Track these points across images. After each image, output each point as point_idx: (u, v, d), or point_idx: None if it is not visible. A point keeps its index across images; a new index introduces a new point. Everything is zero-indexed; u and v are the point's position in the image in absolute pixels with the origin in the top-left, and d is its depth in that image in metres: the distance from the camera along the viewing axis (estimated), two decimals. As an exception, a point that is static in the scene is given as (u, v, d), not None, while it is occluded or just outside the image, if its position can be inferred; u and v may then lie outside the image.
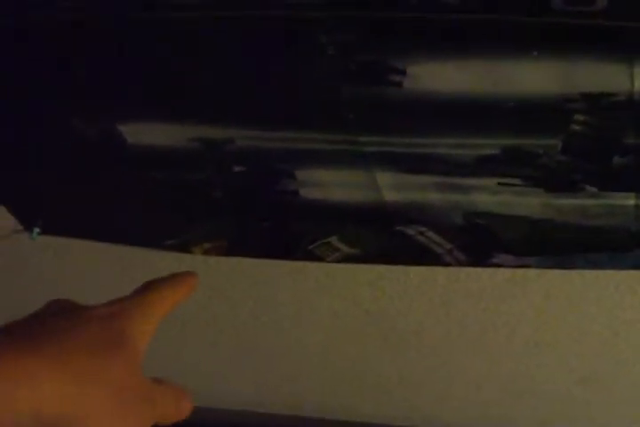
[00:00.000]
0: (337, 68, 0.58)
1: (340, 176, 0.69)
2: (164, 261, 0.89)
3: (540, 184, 0.64)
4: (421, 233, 0.73)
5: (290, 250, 0.79)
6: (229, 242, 0.82)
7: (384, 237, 0.74)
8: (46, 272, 1.02)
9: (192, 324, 1.04)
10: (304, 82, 0.61)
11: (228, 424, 1.11)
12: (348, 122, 0.63)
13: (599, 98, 0.55)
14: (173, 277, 0.42)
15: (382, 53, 0.57)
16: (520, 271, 0.82)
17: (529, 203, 0.66)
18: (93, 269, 0.99)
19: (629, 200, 0.63)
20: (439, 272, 0.86)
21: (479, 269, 0.82)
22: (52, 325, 0.35)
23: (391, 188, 0.68)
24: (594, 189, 0.63)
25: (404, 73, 0.57)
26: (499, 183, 0.65)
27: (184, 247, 0.84)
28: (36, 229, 0.85)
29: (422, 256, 0.75)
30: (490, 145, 0.61)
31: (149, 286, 0.40)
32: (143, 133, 0.70)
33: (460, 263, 0.75)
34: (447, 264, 0.75)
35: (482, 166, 0.64)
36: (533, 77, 0.55)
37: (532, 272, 0.82)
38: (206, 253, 0.84)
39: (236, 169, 0.71)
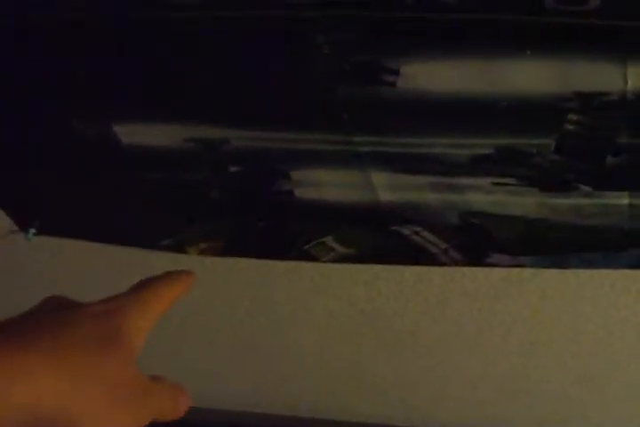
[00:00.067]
0: (332, 68, 0.59)
1: (335, 176, 0.69)
2: (160, 262, 0.89)
3: (534, 184, 0.64)
4: (417, 233, 0.73)
5: (285, 250, 0.80)
6: (225, 242, 0.82)
7: (379, 237, 0.74)
8: (42, 273, 1.02)
9: (188, 324, 1.04)
10: (300, 82, 0.61)
11: (223, 424, 1.11)
12: (343, 122, 0.63)
13: (592, 97, 0.55)
14: (170, 275, 0.42)
15: (377, 53, 0.57)
16: (515, 271, 0.83)
17: (523, 202, 0.66)
18: (89, 269, 0.99)
19: (623, 199, 0.63)
20: (435, 272, 0.86)
21: (474, 269, 0.83)
22: (48, 321, 0.36)
23: (386, 188, 0.68)
24: (588, 189, 0.63)
25: (397, 73, 0.57)
26: (493, 183, 0.65)
27: (180, 248, 0.84)
28: (32, 230, 0.85)
29: (418, 256, 0.75)
30: (484, 145, 0.62)
31: (145, 284, 0.40)
32: (139, 134, 0.70)
33: (455, 263, 0.75)
34: (443, 264, 0.76)
35: (476, 166, 0.64)
36: (527, 77, 0.55)
37: (527, 272, 0.83)
38: (202, 253, 0.84)
39: (232, 169, 0.71)
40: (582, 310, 0.86)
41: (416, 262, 0.77)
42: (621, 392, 0.95)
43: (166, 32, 0.60)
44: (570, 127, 0.58)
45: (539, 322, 0.89)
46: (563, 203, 0.65)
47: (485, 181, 0.65)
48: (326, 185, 0.70)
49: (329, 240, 0.77)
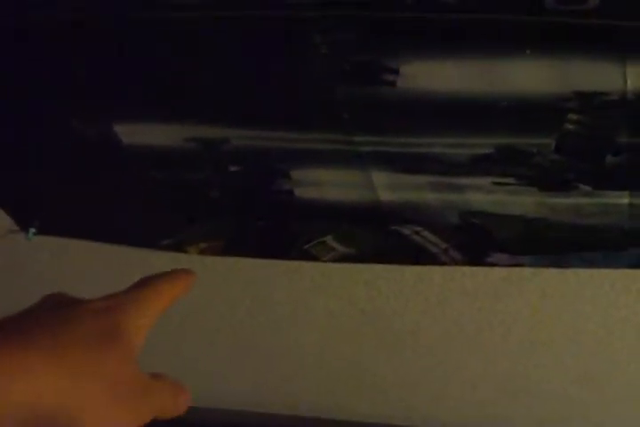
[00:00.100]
0: (331, 68, 0.59)
1: (335, 176, 0.69)
2: (160, 261, 0.89)
3: (534, 183, 0.64)
4: (417, 232, 0.73)
5: (285, 249, 0.80)
6: (225, 242, 0.82)
7: (379, 237, 0.74)
8: (42, 272, 1.02)
9: (188, 323, 1.04)
10: (299, 82, 0.61)
11: (223, 424, 1.11)
12: (343, 122, 0.63)
13: (592, 97, 0.55)
14: (170, 274, 0.42)
15: (376, 53, 0.57)
16: (515, 270, 0.83)
17: (523, 202, 0.66)
18: (90, 269, 0.99)
19: (623, 199, 0.63)
20: (435, 271, 0.86)
21: (475, 269, 0.83)
22: (48, 319, 0.36)
23: (386, 187, 0.68)
24: (588, 188, 0.63)
25: (397, 72, 0.57)
26: (493, 182, 0.65)
27: (180, 247, 0.85)
28: (32, 230, 0.85)
29: (418, 256, 0.75)
30: (484, 144, 0.62)
31: (146, 282, 0.40)
32: (139, 134, 0.70)
33: (455, 262, 0.75)
34: (443, 263, 0.76)
35: (476, 166, 0.64)
36: (527, 77, 0.55)
37: (527, 271, 0.83)
38: (202, 252, 0.84)
39: (232, 169, 0.71)
40: (582, 310, 0.86)
41: (416, 262, 0.77)
42: (621, 392, 0.95)
43: (166, 32, 0.60)
44: (570, 127, 0.58)
45: (539, 321, 0.89)
46: (563, 202, 0.65)
47: (485, 181, 0.65)
48: (326, 184, 0.70)
49: (329, 240, 0.77)
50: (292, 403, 1.11)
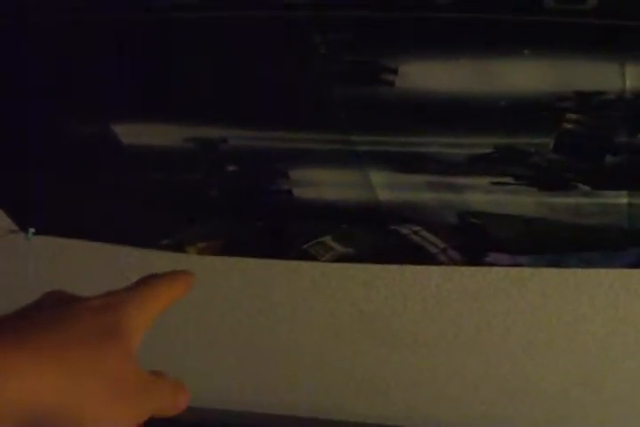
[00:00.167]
0: (330, 68, 0.59)
1: (333, 175, 0.69)
2: (160, 261, 0.89)
3: (533, 183, 0.64)
4: (415, 232, 0.73)
5: (284, 249, 0.80)
6: (224, 241, 0.82)
7: (378, 237, 0.74)
8: (42, 273, 1.02)
9: (187, 324, 1.04)
10: (298, 82, 0.61)
11: (222, 424, 1.11)
12: (341, 121, 0.63)
13: (591, 96, 0.55)
14: (170, 274, 0.42)
15: (374, 53, 0.57)
16: (515, 270, 0.83)
17: (522, 202, 0.66)
18: (89, 269, 0.99)
19: (622, 199, 0.63)
20: (433, 271, 0.86)
21: (473, 269, 0.83)
22: (47, 316, 0.35)
23: (385, 187, 0.68)
24: (586, 188, 0.63)
25: (395, 72, 0.57)
26: (492, 182, 0.65)
27: (179, 247, 0.84)
28: (31, 230, 0.85)
29: (416, 255, 0.75)
30: (483, 144, 0.62)
31: (145, 281, 0.40)
32: (138, 134, 0.70)
33: (454, 262, 0.75)
34: (441, 263, 0.76)
35: (475, 165, 0.64)
36: (525, 76, 0.55)
37: (526, 271, 0.83)
38: (201, 252, 0.84)
39: (230, 169, 0.71)
40: (581, 310, 0.86)
41: (415, 262, 0.77)
42: (621, 392, 0.95)
43: (165, 32, 0.60)
44: (568, 126, 0.58)
45: (538, 321, 0.89)
46: (561, 202, 0.65)
47: (484, 181, 0.65)
48: (325, 184, 0.70)
49: (328, 239, 0.77)
50: (290, 403, 1.11)
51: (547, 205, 0.66)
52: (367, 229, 0.74)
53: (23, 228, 0.86)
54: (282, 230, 0.77)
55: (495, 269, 0.82)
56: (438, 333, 0.94)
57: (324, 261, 0.79)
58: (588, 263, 0.71)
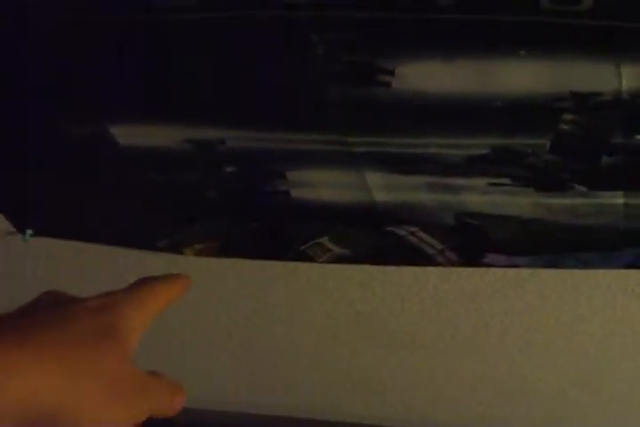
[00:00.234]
0: (327, 69, 0.58)
1: (330, 177, 0.69)
2: (156, 263, 0.89)
3: (529, 184, 0.64)
4: (412, 233, 0.73)
5: (281, 250, 0.80)
6: (221, 242, 0.82)
7: (375, 238, 0.74)
8: (39, 274, 1.02)
9: (185, 325, 1.04)
10: (295, 82, 0.61)
11: (218, 425, 1.11)
12: (338, 122, 0.63)
13: (587, 97, 0.55)
14: (167, 276, 0.42)
15: (372, 54, 0.57)
16: (512, 271, 0.83)
17: (519, 202, 0.66)
18: (86, 271, 0.99)
19: (618, 199, 0.63)
20: (431, 273, 0.86)
21: (471, 270, 0.83)
22: (44, 316, 0.36)
23: (381, 188, 0.68)
24: (583, 189, 0.63)
25: (392, 73, 0.57)
26: (489, 183, 0.65)
27: (176, 248, 0.84)
28: (29, 231, 0.85)
29: (414, 257, 0.75)
30: (479, 145, 0.62)
31: (143, 282, 0.41)
32: (136, 135, 0.70)
33: (451, 263, 0.75)
34: (438, 264, 0.76)
35: (472, 166, 0.64)
36: (522, 77, 0.55)
37: (524, 272, 0.83)
38: (198, 254, 0.84)
39: (228, 170, 0.71)
40: (579, 311, 0.86)
41: (412, 263, 0.77)
42: (618, 392, 0.95)
43: (165, 32, 0.60)
44: (565, 127, 0.58)
45: (535, 322, 0.89)
46: (558, 203, 0.65)
47: (481, 182, 0.65)
48: (322, 185, 0.70)
49: (325, 241, 0.77)
50: (287, 404, 1.11)
51: (543, 205, 0.66)
52: (364, 230, 0.74)
53: (21, 229, 0.86)
54: (279, 231, 0.77)
55: (492, 270, 0.82)
56: (435, 334, 0.94)
57: (321, 262, 0.79)
58: (586, 264, 0.71)
